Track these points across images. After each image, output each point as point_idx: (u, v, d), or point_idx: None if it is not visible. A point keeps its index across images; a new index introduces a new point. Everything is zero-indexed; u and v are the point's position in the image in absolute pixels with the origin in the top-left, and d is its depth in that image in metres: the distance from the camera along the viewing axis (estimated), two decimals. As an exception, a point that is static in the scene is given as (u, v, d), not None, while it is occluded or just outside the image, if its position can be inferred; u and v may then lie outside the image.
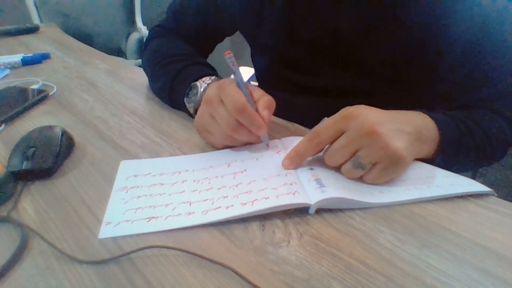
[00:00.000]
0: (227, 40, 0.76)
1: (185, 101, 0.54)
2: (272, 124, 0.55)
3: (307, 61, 0.60)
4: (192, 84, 0.53)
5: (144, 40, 0.80)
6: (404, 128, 0.39)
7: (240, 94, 0.41)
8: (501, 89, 0.50)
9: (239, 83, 0.43)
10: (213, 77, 0.53)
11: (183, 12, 0.70)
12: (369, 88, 0.58)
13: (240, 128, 0.43)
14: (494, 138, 0.48)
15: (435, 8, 0.48)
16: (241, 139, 0.45)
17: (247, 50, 0.72)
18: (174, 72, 0.57)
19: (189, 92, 0.54)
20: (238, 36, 0.74)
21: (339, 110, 0.39)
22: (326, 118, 0.40)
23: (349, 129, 0.38)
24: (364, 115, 0.38)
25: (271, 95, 0.76)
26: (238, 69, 0.42)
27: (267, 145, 0.47)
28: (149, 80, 0.67)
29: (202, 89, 0.51)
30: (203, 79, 0.53)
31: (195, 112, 0.51)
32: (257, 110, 0.43)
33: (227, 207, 0.37)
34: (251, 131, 0.43)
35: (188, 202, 0.38)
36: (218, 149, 0.48)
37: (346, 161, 0.39)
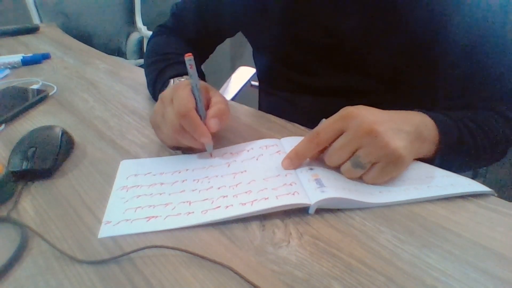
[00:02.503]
0: (227, 39, 0.76)
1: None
2: (272, 124, 0.55)
3: (309, 61, 0.61)
4: (167, 81, 0.55)
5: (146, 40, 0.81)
6: (403, 127, 0.39)
7: (190, 99, 0.41)
8: (501, 89, 0.50)
9: (193, 87, 0.43)
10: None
11: (184, 13, 0.71)
12: (370, 88, 0.58)
13: (183, 132, 0.42)
14: (494, 138, 0.48)
15: (436, 8, 0.48)
16: (185, 143, 0.44)
17: (247, 49, 0.72)
18: (157, 70, 0.59)
19: (164, 90, 0.54)
20: (238, 36, 0.73)
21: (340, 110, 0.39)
22: (324, 120, 0.40)
23: (348, 129, 0.38)
24: (363, 115, 0.38)
25: (272, 94, 0.75)
26: (195, 73, 0.42)
27: (210, 154, 0.46)
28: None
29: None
30: (178, 77, 0.54)
31: None
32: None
33: (227, 207, 0.37)
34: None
35: (187, 201, 0.38)
36: (168, 147, 0.48)
37: (345, 161, 0.39)
